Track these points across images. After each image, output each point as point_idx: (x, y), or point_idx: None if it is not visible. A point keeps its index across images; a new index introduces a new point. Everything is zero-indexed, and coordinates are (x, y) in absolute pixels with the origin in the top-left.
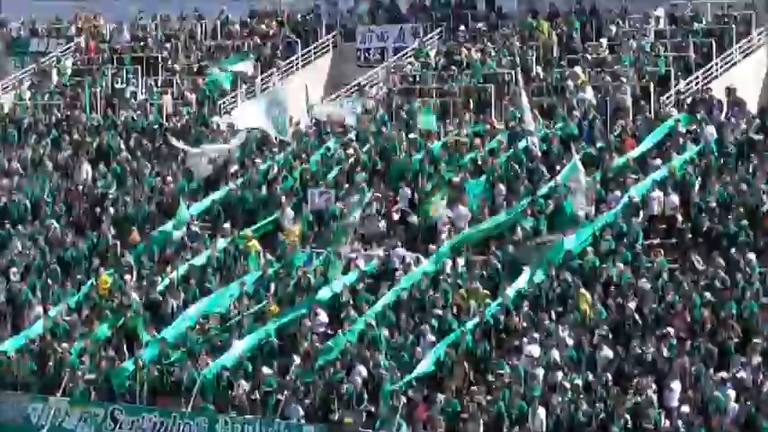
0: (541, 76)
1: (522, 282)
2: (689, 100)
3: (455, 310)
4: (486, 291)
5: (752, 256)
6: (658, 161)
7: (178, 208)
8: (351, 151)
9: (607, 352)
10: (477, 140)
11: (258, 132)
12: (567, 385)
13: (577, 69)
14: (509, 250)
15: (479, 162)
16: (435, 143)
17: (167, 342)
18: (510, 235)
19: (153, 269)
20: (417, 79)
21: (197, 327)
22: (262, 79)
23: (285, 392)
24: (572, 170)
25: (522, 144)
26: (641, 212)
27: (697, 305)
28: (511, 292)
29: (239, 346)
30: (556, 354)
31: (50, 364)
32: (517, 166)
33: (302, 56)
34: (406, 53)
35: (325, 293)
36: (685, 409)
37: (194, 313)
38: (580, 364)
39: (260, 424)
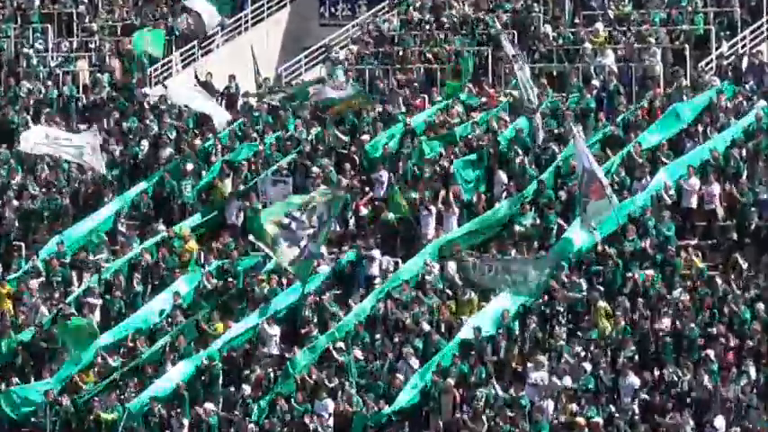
0: (551, 37)
1: None
2: (733, 66)
3: (443, 328)
4: (482, 303)
5: None
6: (696, 141)
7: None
8: (313, 131)
9: (633, 379)
10: (473, 115)
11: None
12: (583, 422)
13: (598, 27)
14: (469, 275)
15: (473, 142)
16: (418, 119)
17: (83, 367)
18: (509, 233)
19: (65, 275)
20: (396, 40)
21: (120, 349)
22: (202, 40)
23: None
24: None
25: (525, 120)
26: (674, 205)
27: (745, 321)
28: (512, 304)
29: (174, 374)
30: (568, 381)
31: None
32: (520, 148)
33: (252, 11)
34: (383, 7)
35: (280, 305)
36: None
37: (117, 331)
38: (599, 395)
39: None
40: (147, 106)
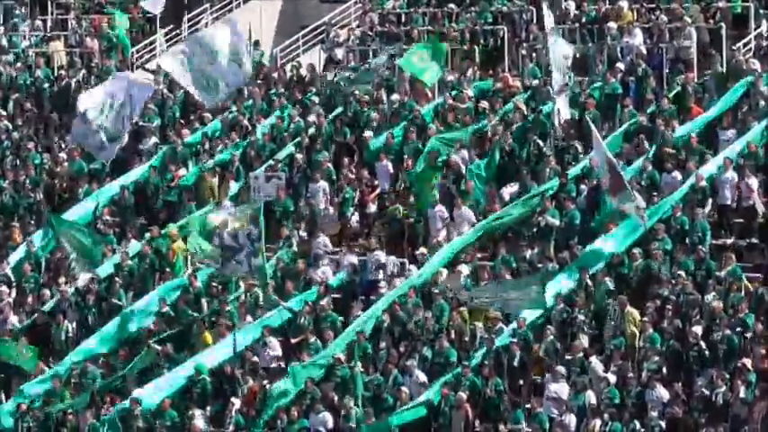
0: (573, 15)
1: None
2: None
3: (454, 337)
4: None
5: None
6: (732, 132)
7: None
8: (312, 119)
9: (662, 392)
10: (485, 104)
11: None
12: None
13: (623, 4)
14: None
15: (488, 133)
16: (426, 107)
17: (60, 379)
18: (527, 230)
19: (39, 281)
20: (403, 19)
21: (100, 359)
22: (189, 19)
23: None
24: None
25: (547, 108)
26: (709, 202)
27: None
28: (530, 311)
29: (160, 387)
30: (591, 395)
31: None
32: (539, 140)
33: None
34: None
35: (276, 314)
36: None
37: (96, 341)
38: (625, 409)
39: None
40: None
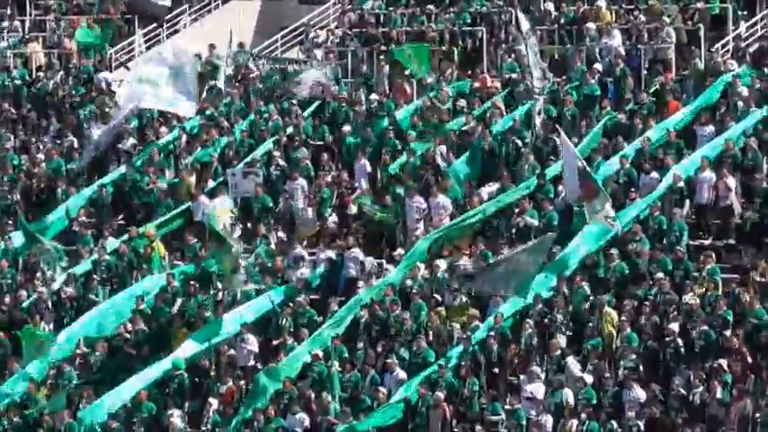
0: (552, 15)
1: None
2: (752, 48)
3: (431, 336)
4: (474, 309)
5: None
6: (711, 129)
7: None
8: (290, 118)
9: (638, 392)
10: (463, 103)
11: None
12: None
13: (601, 5)
14: (464, 281)
15: (467, 132)
16: (404, 110)
17: (35, 380)
18: (507, 228)
19: (15, 279)
20: (382, 20)
21: (77, 358)
22: (168, 20)
23: None
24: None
25: (524, 107)
26: (686, 201)
27: (762, 328)
28: (507, 309)
29: (135, 383)
30: (569, 395)
31: None
32: (518, 139)
33: None
34: None
35: (252, 312)
36: None
37: (71, 338)
38: (602, 409)
39: None
40: (107, 92)
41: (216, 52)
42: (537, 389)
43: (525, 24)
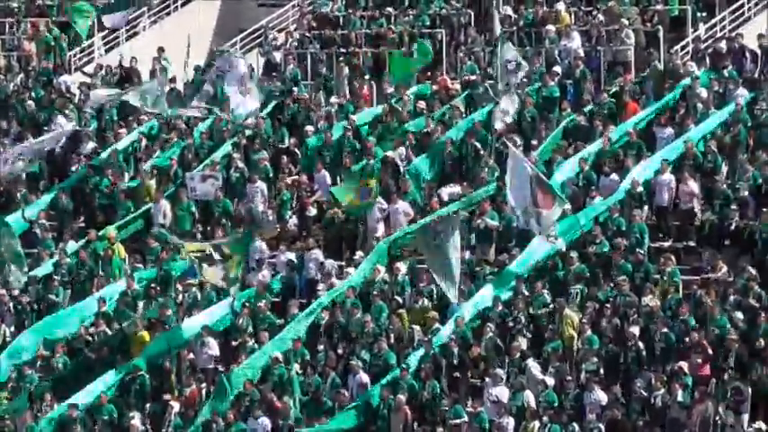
0: (512, 18)
1: (483, 297)
2: (711, 50)
3: (393, 339)
4: (434, 312)
5: None
6: (670, 131)
7: None
8: (249, 121)
9: (600, 395)
10: (422, 105)
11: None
12: None
13: (560, 7)
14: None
15: (428, 134)
16: (363, 113)
17: None
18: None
19: None
20: (341, 22)
21: (38, 361)
22: (128, 22)
23: None
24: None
25: (485, 110)
26: (646, 204)
27: (723, 330)
28: (468, 312)
29: (96, 385)
30: (530, 397)
31: None
32: (477, 143)
33: None
34: None
35: (213, 315)
36: None
37: (31, 341)
38: (563, 411)
39: None
40: (66, 95)
41: (164, 55)
42: (501, 392)
43: (498, 27)
